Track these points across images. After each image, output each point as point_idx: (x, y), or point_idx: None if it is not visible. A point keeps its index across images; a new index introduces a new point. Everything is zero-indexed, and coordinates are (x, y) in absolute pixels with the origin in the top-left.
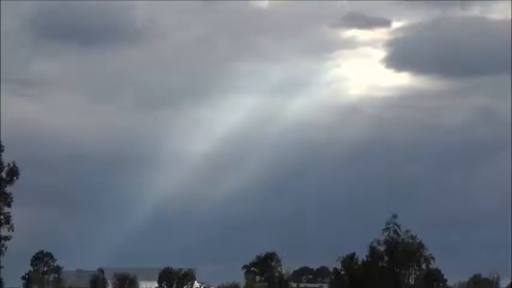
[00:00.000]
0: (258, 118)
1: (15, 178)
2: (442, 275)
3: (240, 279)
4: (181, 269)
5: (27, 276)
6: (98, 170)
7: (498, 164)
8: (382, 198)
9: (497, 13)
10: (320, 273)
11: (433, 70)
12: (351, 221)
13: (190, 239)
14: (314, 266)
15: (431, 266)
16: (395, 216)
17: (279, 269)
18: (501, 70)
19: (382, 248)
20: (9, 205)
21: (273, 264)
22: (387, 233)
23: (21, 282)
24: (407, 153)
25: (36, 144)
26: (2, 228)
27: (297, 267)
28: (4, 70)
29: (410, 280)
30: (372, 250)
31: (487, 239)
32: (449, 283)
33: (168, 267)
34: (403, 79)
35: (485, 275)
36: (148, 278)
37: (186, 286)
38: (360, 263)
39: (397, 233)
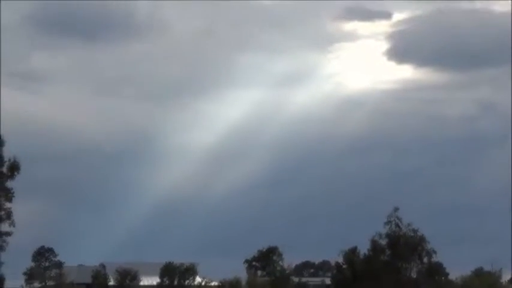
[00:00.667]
0: (259, 111)
1: (16, 173)
2: (444, 268)
3: (242, 273)
4: (182, 263)
5: (28, 272)
6: (100, 164)
7: (501, 157)
8: (383, 192)
9: (499, 5)
10: (322, 267)
11: (435, 62)
12: (352, 215)
13: (192, 234)
14: (316, 260)
15: (433, 260)
16: (396, 209)
17: (281, 264)
18: (504, 62)
19: (383, 242)
20: (10, 200)
21: (274, 258)
22: (389, 226)
23: (22, 278)
24: (409, 145)
25: (38, 139)
26: (3, 224)
27: (298, 262)
28: (6, 64)
29: (412, 274)
30: (374, 244)
31: (489, 232)
32: (451, 276)
33: (170, 262)
34: (405, 71)
35: (487, 268)
36: (150, 273)
37: (187, 281)
38: (361, 256)
39: (399, 227)
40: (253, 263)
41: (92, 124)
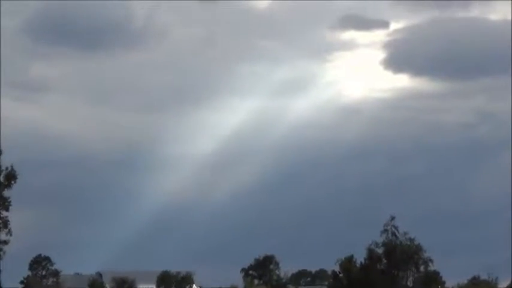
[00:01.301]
0: (258, 120)
1: (13, 182)
2: (441, 277)
3: (239, 282)
4: (179, 272)
5: (25, 281)
6: (96, 173)
7: (498, 165)
8: (380, 200)
9: (497, 13)
10: (318, 276)
11: (432, 71)
12: (349, 223)
13: (189, 243)
14: (312, 268)
15: (429, 268)
16: (393, 218)
17: (277, 272)
18: (501, 71)
19: (380, 251)
20: (7, 209)
21: (271, 267)
22: (385, 235)
23: (19, 287)
24: (406, 153)
25: (35, 148)
26: (0, 233)
27: (295, 270)
28: (4, 73)
29: (408, 282)
30: (370, 252)
31: (486, 240)
32: (448, 285)
33: (167, 270)
34: (402, 80)
35: (484, 276)
36: (146, 281)
37: None
38: (358, 265)
39: (395, 235)
40: (250, 271)
41: (91, 133)
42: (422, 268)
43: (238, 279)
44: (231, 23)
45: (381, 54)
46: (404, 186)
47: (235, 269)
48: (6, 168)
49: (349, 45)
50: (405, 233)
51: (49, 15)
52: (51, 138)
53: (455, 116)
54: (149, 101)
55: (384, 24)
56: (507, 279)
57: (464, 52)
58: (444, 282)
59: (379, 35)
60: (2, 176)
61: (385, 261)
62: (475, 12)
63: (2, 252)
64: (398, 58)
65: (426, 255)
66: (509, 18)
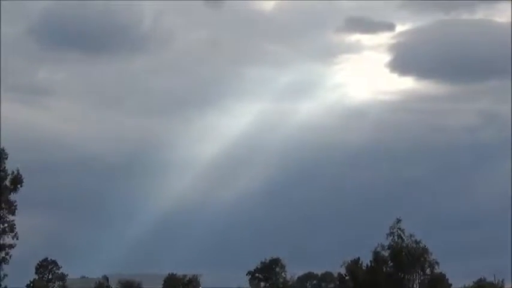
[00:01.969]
0: (264, 123)
1: (19, 186)
2: (447, 279)
3: (245, 285)
4: (185, 275)
5: (31, 285)
6: (102, 177)
7: (503, 167)
8: (386, 202)
9: (502, 16)
10: (324, 279)
11: (437, 74)
12: (355, 226)
13: (195, 246)
14: (318, 271)
15: (435, 271)
16: (399, 220)
17: (284, 275)
18: (506, 73)
19: (386, 253)
20: (13, 213)
21: (277, 270)
22: (391, 237)
23: None
24: (411, 156)
25: (41, 152)
26: (6, 237)
27: (301, 273)
28: (9, 77)
29: (414, 285)
30: (376, 255)
31: (491, 242)
32: (454, 287)
33: (173, 273)
34: (407, 83)
35: (490, 278)
36: (152, 284)
37: None
38: (364, 268)
39: (401, 238)
40: (256, 274)
41: (96, 137)
42: (428, 271)
43: (245, 282)
44: (237, 26)
45: (387, 57)
46: (409, 188)
47: (242, 272)
48: (12, 172)
49: (354, 48)
50: (411, 236)
51: (54, 19)
52: (57, 141)
53: (461, 118)
54: (154, 104)
55: (390, 27)
56: None
57: (469, 54)
58: (450, 285)
59: (385, 38)
60: (8, 180)
61: (391, 263)
62: (480, 14)
63: (8, 256)
64: (404, 61)
65: (432, 257)
66: None
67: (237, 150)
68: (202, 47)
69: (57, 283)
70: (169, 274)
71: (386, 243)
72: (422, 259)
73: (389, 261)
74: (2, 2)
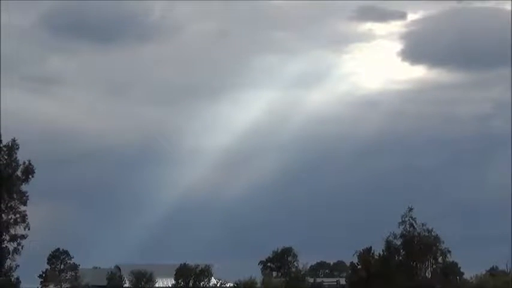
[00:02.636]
0: (274, 113)
1: (30, 176)
2: (459, 268)
3: (257, 274)
4: (198, 265)
5: (44, 275)
6: (114, 166)
7: None
8: (398, 192)
9: None
10: (337, 268)
11: (449, 62)
12: (367, 215)
13: (207, 236)
14: (331, 260)
15: (447, 259)
16: (411, 209)
17: (296, 264)
18: None
19: (398, 242)
20: (25, 204)
21: (289, 259)
22: (403, 226)
23: (38, 281)
24: (423, 145)
25: (52, 142)
26: (18, 227)
27: (313, 262)
28: (19, 67)
29: (427, 274)
30: (389, 244)
31: (503, 231)
32: (466, 276)
33: (185, 263)
34: (419, 72)
35: (502, 267)
36: (165, 275)
37: (202, 282)
38: (376, 257)
39: (413, 227)
40: (268, 263)
41: (108, 127)
42: (440, 259)
43: (257, 271)
44: (246, 15)
45: (398, 46)
46: (421, 177)
47: (254, 262)
48: (24, 163)
49: (366, 37)
50: (423, 224)
51: (64, 9)
52: (68, 131)
53: (473, 106)
54: (165, 94)
55: (401, 15)
56: None
57: (481, 43)
58: (463, 274)
59: (396, 26)
60: (19, 170)
61: (403, 252)
62: (491, 2)
63: (20, 247)
64: (416, 49)
65: (444, 246)
66: None
67: (248, 140)
68: (211, 36)
69: (69, 273)
70: (181, 264)
71: (398, 232)
72: (434, 248)
73: (402, 250)
74: None
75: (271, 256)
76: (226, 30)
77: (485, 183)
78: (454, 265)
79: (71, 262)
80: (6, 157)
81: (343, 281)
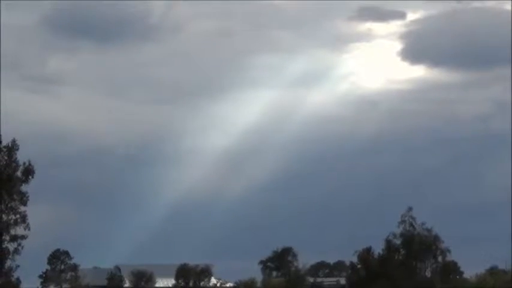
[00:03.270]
0: (273, 112)
1: (30, 177)
2: (459, 267)
3: (257, 274)
4: (198, 265)
5: (44, 275)
6: (114, 167)
7: None
8: (397, 191)
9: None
10: (337, 268)
11: (449, 62)
12: (367, 215)
13: (207, 236)
14: (330, 260)
15: (447, 259)
16: (410, 209)
17: (296, 264)
18: None
19: (398, 241)
20: (25, 204)
21: (289, 259)
22: (403, 226)
23: (38, 281)
24: (423, 145)
25: (52, 142)
26: (18, 227)
27: (313, 262)
28: (21, 67)
29: (426, 273)
30: (388, 243)
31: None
32: (466, 275)
33: (185, 263)
34: (419, 71)
35: (501, 266)
36: (165, 275)
37: (203, 282)
38: (376, 256)
39: (413, 226)
40: (268, 263)
41: (108, 126)
42: (440, 258)
43: (257, 271)
44: (246, 14)
45: (398, 45)
46: (421, 178)
47: (254, 262)
48: (24, 164)
49: (366, 37)
50: (422, 224)
51: (66, 9)
52: (68, 131)
53: (473, 106)
54: (165, 93)
55: (401, 15)
56: None
57: (481, 42)
58: (462, 273)
59: (396, 26)
60: (19, 171)
61: (403, 252)
62: (491, 2)
63: (20, 247)
64: (416, 49)
65: (444, 245)
66: None
67: (248, 140)
68: (212, 35)
69: (69, 273)
70: (181, 264)
71: (398, 231)
72: (433, 247)
73: (402, 250)
74: None
75: (271, 256)
76: (227, 29)
77: (485, 183)
78: (453, 264)
79: (71, 262)
80: (6, 158)
81: (343, 281)
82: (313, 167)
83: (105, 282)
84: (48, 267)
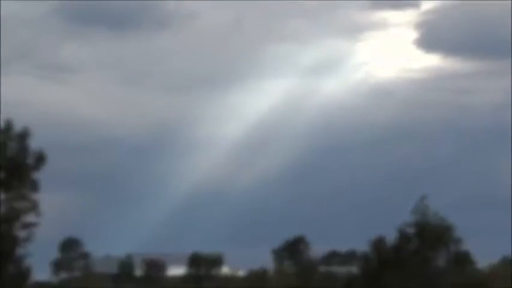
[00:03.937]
0: (288, 101)
1: (42, 165)
2: (472, 257)
3: (269, 263)
4: (209, 254)
5: (55, 263)
6: (127, 155)
7: None
8: (411, 181)
9: None
10: (349, 257)
11: (464, 51)
12: (380, 204)
13: (219, 224)
14: (343, 249)
15: (460, 248)
16: (424, 198)
17: (308, 253)
18: None
19: (411, 231)
20: (36, 191)
21: (301, 248)
22: (416, 215)
23: (49, 269)
24: (437, 135)
25: (65, 129)
26: (29, 215)
27: (325, 251)
28: (34, 55)
29: (439, 262)
30: (401, 233)
31: None
32: (479, 265)
33: (197, 252)
34: (434, 60)
35: None
36: (177, 263)
37: (214, 271)
38: (389, 245)
39: (426, 215)
40: (281, 252)
41: (121, 115)
42: (453, 248)
43: (269, 260)
44: (262, 3)
45: (413, 34)
46: (436, 168)
47: (266, 250)
48: (36, 151)
49: (380, 25)
50: (436, 213)
51: None
52: (82, 119)
53: (488, 95)
54: (179, 82)
55: (416, 4)
56: None
57: (496, 31)
58: (475, 262)
59: (411, 15)
60: (31, 158)
61: (416, 241)
62: None
63: (31, 235)
64: (430, 38)
65: (457, 235)
66: None
67: (261, 129)
68: (228, 24)
69: (80, 262)
70: (193, 253)
71: (411, 220)
72: (447, 236)
73: (414, 239)
74: None
75: (283, 245)
76: (242, 18)
77: (499, 173)
78: (466, 254)
79: (83, 250)
80: (17, 145)
81: (355, 270)
82: (326, 156)
83: (116, 271)
84: (60, 255)
